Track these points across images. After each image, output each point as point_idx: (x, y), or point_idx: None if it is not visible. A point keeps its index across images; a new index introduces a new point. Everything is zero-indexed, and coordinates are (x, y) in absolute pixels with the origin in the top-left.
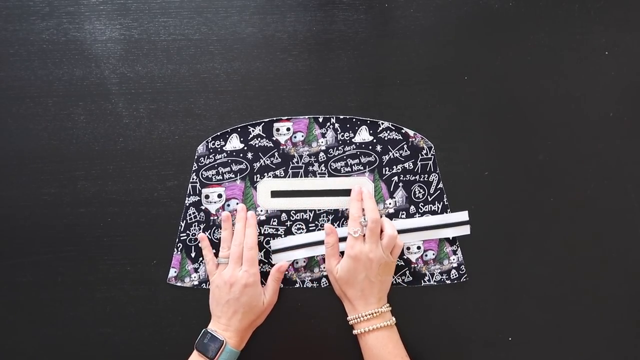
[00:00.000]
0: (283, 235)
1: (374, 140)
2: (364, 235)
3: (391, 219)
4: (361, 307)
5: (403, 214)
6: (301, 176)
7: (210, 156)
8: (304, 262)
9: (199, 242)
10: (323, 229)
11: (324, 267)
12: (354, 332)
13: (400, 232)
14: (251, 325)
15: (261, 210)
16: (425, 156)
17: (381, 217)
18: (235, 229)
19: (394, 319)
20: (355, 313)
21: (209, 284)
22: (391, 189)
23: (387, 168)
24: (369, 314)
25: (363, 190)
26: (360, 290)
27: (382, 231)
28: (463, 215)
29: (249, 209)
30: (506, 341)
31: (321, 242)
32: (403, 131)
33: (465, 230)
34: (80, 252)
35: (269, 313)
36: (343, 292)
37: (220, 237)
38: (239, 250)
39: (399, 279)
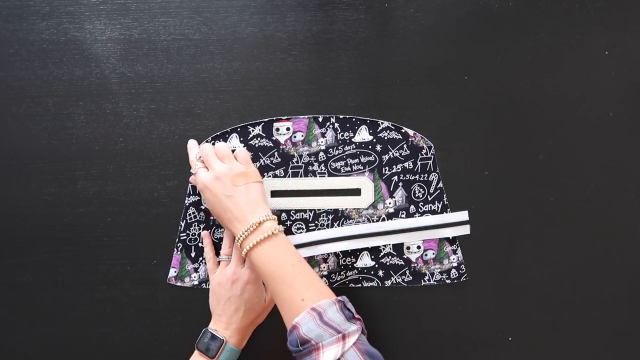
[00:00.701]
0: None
1: (374, 140)
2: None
3: (391, 219)
4: (237, 227)
5: (403, 213)
6: (301, 176)
7: None
8: None
9: (202, 239)
10: (323, 229)
11: (324, 267)
12: (241, 254)
13: (400, 231)
14: (252, 324)
15: None
16: (425, 156)
17: None
18: None
19: (280, 227)
20: (236, 235)
21: (209, 284)
22: (391, 189)
23: (387, 168)
24: (245, 230)
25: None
26: (227, 212)
27: None
28: (463, 215)
29: None
30: (506, 341)
31: (321, 242)
32: (403, 131)
33: (465, 230)
34: (80, 252)
35: (270, 312)
36: (223, 224)
37: (220, 237)
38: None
39: (398, 278)
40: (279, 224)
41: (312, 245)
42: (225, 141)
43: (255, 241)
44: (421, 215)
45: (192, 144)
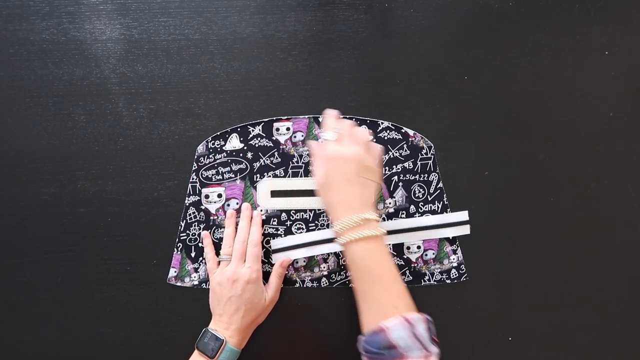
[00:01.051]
0: (283, 235)
1: (374, 140)
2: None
3: (391, 219)
4: (342, 211)
5: (403, 213)
6: (301, 176)
7: (210, 156)
8: (304, 262)
9: (202, 239)
10: (323, 229)
11: (324, 267)
12: (337, 241)
13: (400, 231)
14: (252, 324)
15: (261, 210)
16: (425, 156)
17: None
18: (239, 226)
19: (383, 230)
20: (337, 219)
21: (209, 284)
22: (391, 189)
23: (387, 167)
24: (353, 222)
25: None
26: (339, 193)
27: None
28: (463, 215)
29: (254, 209)
30: (506, 341)
31: (321, 242)
32: (403, 131)
33: (465, 230)
34: (80, 252)
35: (270, 312)
36: (326, 200)
37: (219, 237)
38: (241, 248)
39: None
40: (278, 224)
41: (312, 244)
42: (225, 141)
43: (360, 235)
44: (421, 215)
45: (332, 112)
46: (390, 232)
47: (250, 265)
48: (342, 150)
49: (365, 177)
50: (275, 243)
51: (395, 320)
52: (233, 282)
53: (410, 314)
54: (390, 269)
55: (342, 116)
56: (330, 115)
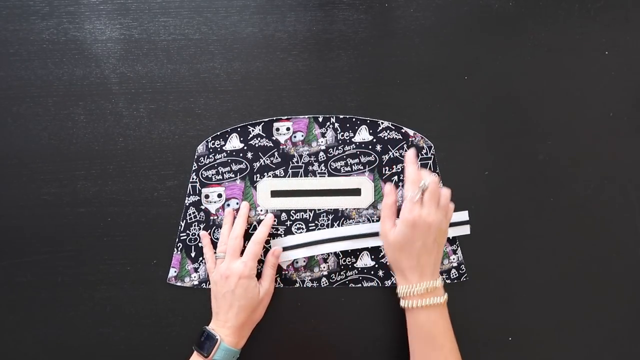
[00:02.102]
0: (283, 235)
1: (374, 140)
2: (422, 200)
3: None
4: (415, 278)
5: None
6: (301, 176)
7: (210, 156)
8: (304, 262)
9: (200, 240)
10: (323, 229)
11: (324, 267)
12: (402, 304)
13: None
14: (249, 321)
15: (261, 210)
16: (425, 156)
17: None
18: (234, 223)
19: (446, 295)
20: (408, 285)
21: (208, 284)
22: None
23: (387, 168)
24: (424, 289)
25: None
26: (416, 259)
27: None
28: (463, 215)
29: (254, 209)
30: (506, 341)
31: (321, 242)
32: (403, 131)
33: (465, 230)
34: (80, 252)
35: (269, 312)
36: (396, 261)
37: (219, 237)
38: (234, 244)
39: None
40: (278, 224)
41: (312, 244)
42: (225, 141)
43: (430, 302)
44: None
45: (412, 157)
46: None
47: (245, 261)
48: (428, 218)
49: (440, 243)
50: (275, 243)
51: None
52: (226, 277)
53: None
54: (452, 339)
55: (304, 117)
56: (410, 162)
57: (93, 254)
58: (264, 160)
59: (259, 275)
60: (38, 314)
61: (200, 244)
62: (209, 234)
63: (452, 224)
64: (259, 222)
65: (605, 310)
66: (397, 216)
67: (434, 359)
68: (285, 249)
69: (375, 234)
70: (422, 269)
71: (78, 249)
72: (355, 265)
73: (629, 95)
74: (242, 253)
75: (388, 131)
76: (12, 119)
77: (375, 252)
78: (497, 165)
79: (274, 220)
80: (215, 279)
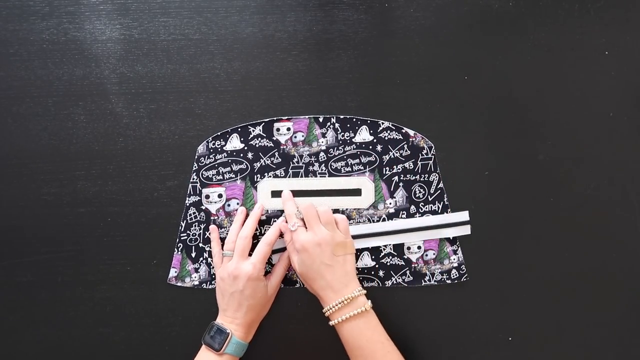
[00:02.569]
0: (283, 235)
1: (374, 140)
2: (304, 227)
3: (391, 219)
4: (330, 296)
5: (403, 213)
6: (301, 176)
7: (211, 156)
8: None
9: (209, 233)
10: None
11: None
12: (330, 323)
13: (400, 232)
14: (257, 317)
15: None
16: (425, 156)
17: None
18: (245, 222)
19: (369, 302)
20: (326, 305)
21: (209, 284)
22: (391, 189)
23: (387, 168)
24: (339, 303)
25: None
26: (322, 279)
27: None
28: (463, 215)
29: (249, 210)
30: (506, 341)
31: None
32: (403, 131)
33: (466, 230)
34: (80, 252)
35: (270, 312)
36: (309, 287)
37: (221, 237)
38: (243, 244)
39: (399, 278)
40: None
41: None
42: (226, 142)
43: (349, 315)
44: (422, 216)
45: (287, 195)
46: (390, 233)
47: (254, 262)
48: (311, 237)
49: (341, 255)
50: (275, 243)
51: None
52: (234, 278)
53: None
54: (383, 342)
55: (304, 117)
56: (287, 199)
57: (93, 254)
58: (264, 161)
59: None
60: (38, 314)
61: (201, 244)
62: (209, 234)
63: (453, 224)
64: (260, 222)
65: (605, 310)
66: None
67: None
68: (284, 249)
69: (376, 234)
70: (331, 286)
71: (78, 249)
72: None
73: (629, 95)
74: (250, 253)
75: (388, 131)
76: (12, 119)
77: (375, 252)
78: (497, 165)
79: (283, 223)
80: (222, 275)
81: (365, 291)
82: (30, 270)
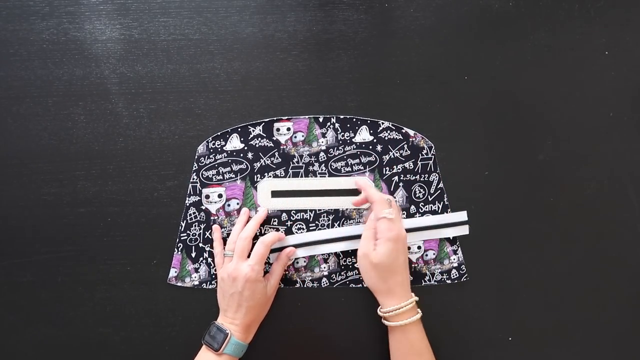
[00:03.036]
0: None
1: (374, 140)
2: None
3: None
4: (405, 293)
5: (403, 213)
6: (301, 176)
7: (211, 156)
8: (305, 262)
9: (210, 233)
10: (323, 229)
11: (325, 267)
12: (388, 324)
13: None
14: (257, 318)
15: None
16: (425, 156)
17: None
18: (247, 224)
19: (420, 312)
20: (395, 303)
21: (209, 284)
22: (391, 189)
23: (387, 168)
24: (410, 303)
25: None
26: (401, 275)
27: None
28: (462, 215)
29: (249, 210)
30: (506, 341)
31: (321, 242)
32: (403, 131)
33: (464, 230)
34: (80, 252)
35: (270, 312)
36: (383, 280)
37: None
38: (242, 244)
39: None
40: (279, 224)
41: (311, 244)
42: (226, 142)
43: (416, 318)
44: (421, 216)
45: (366, 180)
46: None
47: (252, 264)
48: (402, 232)
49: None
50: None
51: None
52: (234, 279)
53: None
54: (429, 351)
55: (304, 117)
56: (368, 186)
57: (93, 254)
58: (264, 161)
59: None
60: (38, 314)
61: (201, 244)
62: (209, 234)
63: (452, 224)
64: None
65: (605, 310)
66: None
67: None
68: (282, 248)
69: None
70: (405, 284)
71: (78, 249)
72: (355, 265)
73: (629, 95)
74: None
75: (388, 131)
76: (12, 119)
77: None
78: (497, 165)
79: (282, 232)
80: (222, 276)
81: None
82: (30, 270)
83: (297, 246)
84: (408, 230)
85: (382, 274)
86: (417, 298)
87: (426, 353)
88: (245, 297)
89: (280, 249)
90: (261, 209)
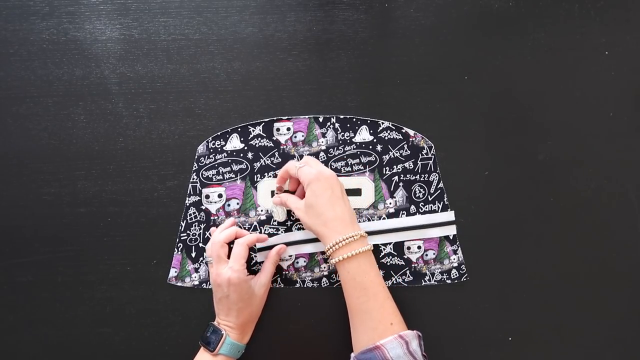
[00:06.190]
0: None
1: (374, 140)
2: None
3: (380, 219)
4: (340, 229)
5: (403, 213)
6: None
7: (211, 156)
8: (305, 262)
9: (210, 234)
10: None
11: (325, 267)
12: (332, 261)
13: (387, 231)
14: (251, 318)
15: (261, 210)
16: (425, 156)
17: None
18: (217, 229)
19: (371, 245)
20: (334, 238)
21: (209, 284)
22: (391, 189)
23: (387, 168)
24: (349, 237)
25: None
26: (332, 209)
27: None
28: (449, 216)
29: (249, 209)
30: (506, 341)
31: (305, 242)
32: (403, 131)
33: (452, 230)
34: (80, 252)
35: (270, 311)
36: (317, 217)
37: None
38: (215, 249)
39: (399, 278)
40: (279, 224)
41: (300, 243)
42: (226, 142)
43: (356, 252)
44: (408, 216)
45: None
46: (376, 232)
47: (232, 266)
48: (325, 171)
49: (345, 196)
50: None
51: (391, 338)
52: (218, 285)
53: (406, 332)
54: (384, 285)
55: (304, 117)
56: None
57: (93, 254)
58: (264, 161)
59: (255, 272)
60: (38, 314)
61: (201, 244)
62: (209, 234)
63: (438, 224)
64: (260, 222)
65: (605, 310)
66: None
67: (371, 310)
68: (269, 247)
69: (376, 233)
70: (342, 217)
71: (78, 249)
72: None
73: (629, 95)
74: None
75: (388, 131)
76: (12, 119)
77: (375, 252)
78: (497, 165)
79: (263, 217)
80: (211, 281)
81: (367, 234)
82: (30, 270)
83: (295, 245)
84: (396, 230)
85: (314, 212)
86: (362, 232)
87: (372, 287)
88: (233, 300)
89: (270, 248)
90: (253, 236)
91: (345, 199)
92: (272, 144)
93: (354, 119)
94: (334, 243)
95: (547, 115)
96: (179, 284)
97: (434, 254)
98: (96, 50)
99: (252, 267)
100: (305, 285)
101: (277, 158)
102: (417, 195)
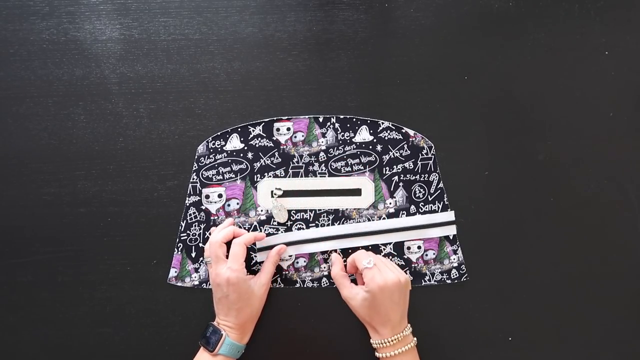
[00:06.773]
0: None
1: (374, 140)
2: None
3: (380, 219)
4: (387, 332)
5: (403, 213)
6: (301, 176)
7: (211, 156)
8: (305, 262)
9: (209, 233)
10: (314, 228)
11: (325, 267)
12: (377, 355)
13: (387, 231)
14: (250, 318)
15: (261, 210)
16: (425, 156)
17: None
18: (215, 229)
19: (415, 339)
20: (380, 338)
21: (209, 284)
22: (391, 189)
23: (387, 168)
24: (394, 339)
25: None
26: (385, 316)
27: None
28: (449, 216)
29: (249, 209)
30: (506, 341)
31: (304, 242)
32: (403, 131)
33: (452, 230)
34: (80, 252)
35: (270, 312)
36: (367, 318)
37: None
38: (213, 249)
39: None
40: (279, 223)
41: (298, 243)
42: (226, 142)
43: (401, 350)
44: (408, 215)
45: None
46: (376, 233)
47: (230, 265)
48: (388, 280)
49: (404, 293)
50: (260, 242)
51: None
52: (217, 285)
53: None
54: None
55: (304, 117)
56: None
57: (93, 254)
58: (264, 161)
59: (255, 272)
60: (38, 314)
61: (201, 244)
62: (209, 234)
63: (438, 224)
64: (260, 222)
65: (605, 310)
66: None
67: None
68: (269, 247)
69: (375, 233)
70: (391, 323)
71: (78, 249)
72: None
73: (629, 95)
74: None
75: (388, 131)
76: (12, 119)
77: (375, 252)
78: (497, 165)
79: (262, 217)
80: (210, 281)
81: (412, 329)
82: (30, 270)
83: (294, 244)
84: (396, 230)
85: (366, 316)
86: (410, 329)
87: None
88: (232, 300)
89: (270, 247)
90: (251, 234)
91: (400, 301)
92: (272, 144)
93: (354, 119)
94: (380, 342)
95: (547, 116)
96: (179, 284)
97: (434, 254)
98: (96, 50)
99: (252, 267)
100: (305, 285)
101: (277, 158)
102: (417, 195)
